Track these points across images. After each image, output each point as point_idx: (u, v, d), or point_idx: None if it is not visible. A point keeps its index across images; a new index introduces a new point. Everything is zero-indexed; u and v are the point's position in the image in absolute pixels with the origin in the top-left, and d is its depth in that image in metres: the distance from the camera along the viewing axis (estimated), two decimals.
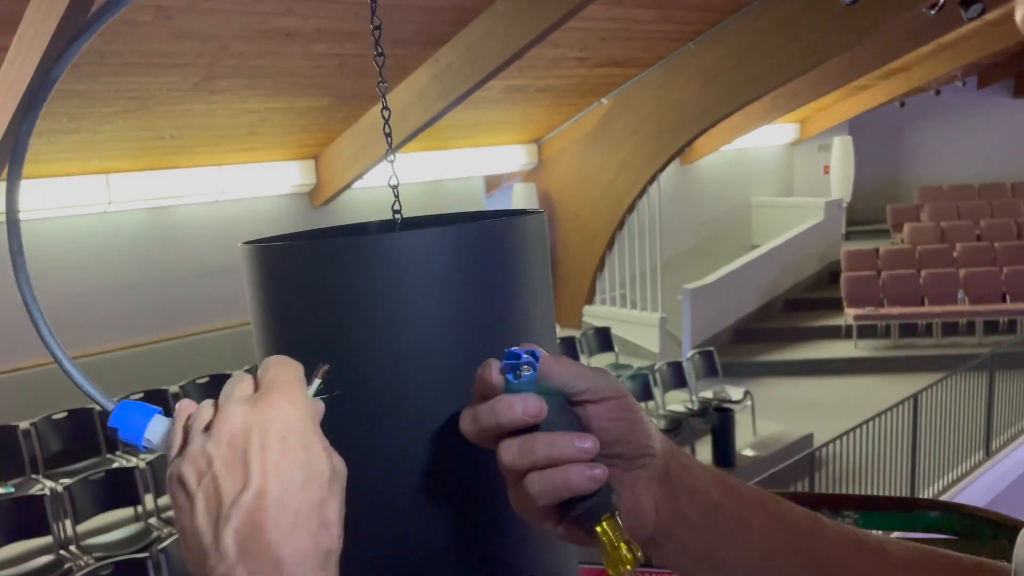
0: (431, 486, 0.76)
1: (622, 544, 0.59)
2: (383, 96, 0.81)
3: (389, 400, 0.76)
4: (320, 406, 0.60)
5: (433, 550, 0.77)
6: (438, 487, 0.77)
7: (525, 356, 0.59)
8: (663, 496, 0.63)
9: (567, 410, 0.61)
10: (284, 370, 0.58)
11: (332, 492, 0.55)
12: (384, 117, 0.82)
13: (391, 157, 0.80)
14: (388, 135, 0.79)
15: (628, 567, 0.58)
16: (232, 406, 0.56)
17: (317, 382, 0.61)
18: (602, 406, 0.61)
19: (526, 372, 0.59)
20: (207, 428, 0.56)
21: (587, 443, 0.59)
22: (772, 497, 0.67)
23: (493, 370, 0.60)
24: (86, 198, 6.65)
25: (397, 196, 0.83)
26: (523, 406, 0.58)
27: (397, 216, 0.84)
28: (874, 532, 0.69)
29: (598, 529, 0.59)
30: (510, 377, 0.59)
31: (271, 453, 0.54)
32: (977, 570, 0.67)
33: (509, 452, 0.59)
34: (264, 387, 0.57)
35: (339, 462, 0.57)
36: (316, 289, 0.74)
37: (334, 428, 0.59)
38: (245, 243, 0.77)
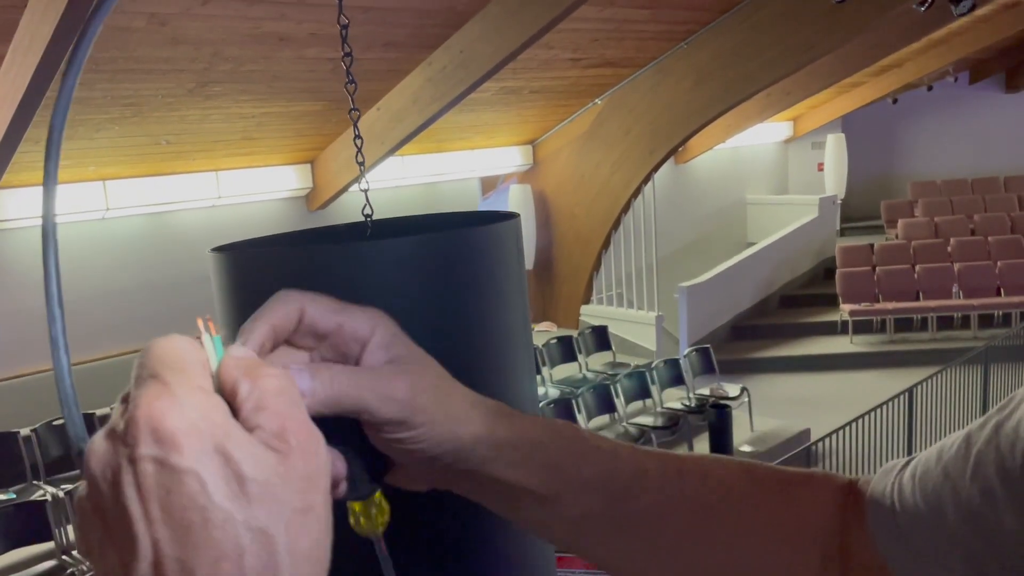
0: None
1: (377, 511, 0.54)
2: (351, 96, 0.84)
3: None
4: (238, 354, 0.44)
5: (407, 541, 0.77)
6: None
7: None
8: (452, 478, 0.58)
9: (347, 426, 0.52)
10: (150, 362, 0.42)
11: (274, 516, 0.38)
12: (352, 119, 0.85)
13: (360, 158, 0.83)
14: (357, 136, 0.83)
15: (380, 529, 0.54)
16: (96, 440, 0.40)
17: (217, 341, 0.45)
18: (387, 431, 0.53)
19: None
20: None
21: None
22: (591, 458, 0.61)
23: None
24: (83, 205, 6.68)
25: (368, 200, 0.86)
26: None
27: (368, 219, 0.87)
28: (694, 465, 0.64)
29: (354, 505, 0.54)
30: None
31: (151, 492, 0.37)
32: (788, 486, 0.65)
33: None
34: (132, 396, 0.40)
35: (308, 449, 0.41)
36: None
37: None
38: (214, 250, 0.76)
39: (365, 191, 0.82)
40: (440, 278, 0.73)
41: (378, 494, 0.54)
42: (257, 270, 0.68)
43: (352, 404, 0.51)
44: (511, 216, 0.82)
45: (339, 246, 0.75)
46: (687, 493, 0.62)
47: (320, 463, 0.41)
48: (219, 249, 0.77)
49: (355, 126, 0.83)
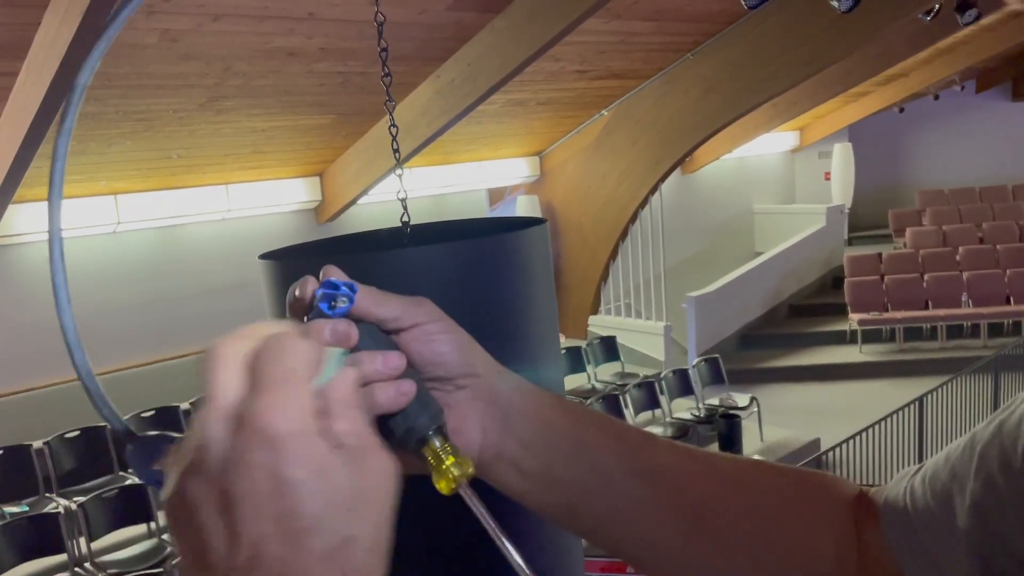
0: (431, 489, 0.78)
1: (451, 458, 0.57)
2: (391, 114, 0.87)
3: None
4: (346, 378, 0.48)
5: (435, 544, 0.78)
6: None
7: (344, 288, 0.55)
8: (491, 416, 0.62)
9: (379, 337, 0.57)
10: (274, 358, 0.45)
11: (360, 521, 0.44)
12: (392, 134, 0.88)
13: (399, 171, 0.86)
14: (396, 151, 0.86)
15: (461, 479, 0.57)
16: (211, 427, 0.43)
17: (336, 353, 0.50)
18: (415, 330, 0.59)
19: (342, 304, 0.54)
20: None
21: (392, 359, 0.55)
22: (607, 418, 0.68)
23: (308, 288, 0.55)
24: (95, 219, 6.73)
25: (406, 208, 0.89)
26: (331, 329, 0.52)
27: (406, 225, 0.90)
28: (705, 450, 0.70)
29: (423, 448, 0.57)
30: (324, 307, 0.54)
31: (261, 496, 0.42)
32: (800, 478, 0.70)
33: None
34: (251, 391, 0.44)
35: (378, 465, 0.46)
36: None
37: None
38: (262, 256, 0.80)
39: (403, 200, 0.86)
40: (479, 281, 0.77)
41: (452, 450, 0.58)
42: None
43: (371, 310, 0.57)
44: (539, 221, 0.86)
45: (387, 252, 0.78)
46: (697, 460, 0.67)
47: (390, 485, 0.46)
48: (267, 256, 0.81)
49: (394, 140, 0.87)
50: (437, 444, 0.57)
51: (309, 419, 0.44)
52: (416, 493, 0.65)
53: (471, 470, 0.57)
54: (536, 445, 0.63)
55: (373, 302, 0.57)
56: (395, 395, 0.55)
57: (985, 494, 0.56)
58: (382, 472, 0.46)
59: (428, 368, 0.60)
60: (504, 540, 0.57)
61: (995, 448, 0.56)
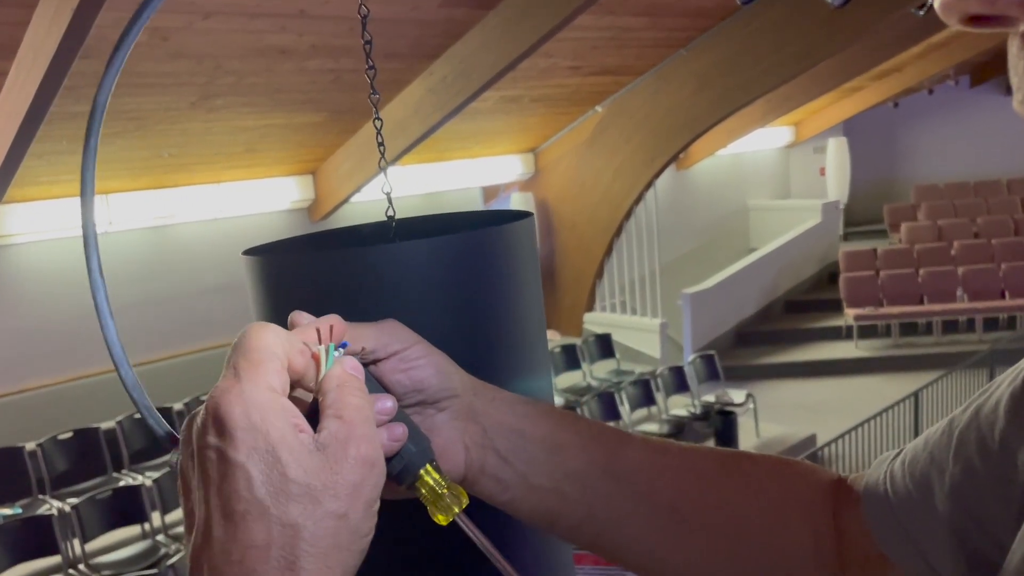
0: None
1: (445, 491, 0.57)
2: (375, 107, 0.85)
3: None
4: (349, 366, 0.52)
5: (418, 542, 0.76)
6: None
7: (337, 352, 0.56)
8: (472, 433, 0.63)
9: (364, 373, 0.58)
10: (237, 349, 0.49)
11: (309, 512, 0.44)
12: (376, 127, 0.86)
13: (383, 163, 0.85)
14: (381, 144, 0.84)
15: (456, 510, 0.57)
16: (201, 412, 0.47)
17: (331, 349, 0.53)
18: (394, 359, 0.60)
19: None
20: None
21: (385, 403, 0.55)
22: (582, 420, 0.68)
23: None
24: None
25: (391, 202, 0.87)
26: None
27: (391, 219, 0.88)
28: (683, 443, 0.70)
29: (417, 484, 0.57)
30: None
31: (212, 482, 0.45)
32: (777, 467, 0.70)
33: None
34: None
35: (362, 467, 0.47)
36: (313, 297, 0.75)
37: None
38: (246, 252, 0.79)
39: (388, 193, 0.84)
40: (465, 276, 0.76)
41: (447, 484, 0.58)
42: (290, 273, 0.72)
43: (359, 338, 0.58)
44: (525, 215, 0.85)
45: (367, 248, 0.77)
46: (673, 455, 0.68)
47: (372, 478, 0.47)
48: (251, 252, 0.79)
49: (379, 133, 0.85)
50: (431, 480, 0.57)
51: (267, 397, 0.46)
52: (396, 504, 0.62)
53: (466, 500, 0.58)
54: (513, 456, 0.63)
55: (352, 338, 0.58)
56: (388, 443, 0.55)
57: (964, 478, 0.56)
58: (365, 470, 0.47)
59: (409, 395, 0.61)
60: (505, 564, 0.57)
61: (973, 432, 0.57)
